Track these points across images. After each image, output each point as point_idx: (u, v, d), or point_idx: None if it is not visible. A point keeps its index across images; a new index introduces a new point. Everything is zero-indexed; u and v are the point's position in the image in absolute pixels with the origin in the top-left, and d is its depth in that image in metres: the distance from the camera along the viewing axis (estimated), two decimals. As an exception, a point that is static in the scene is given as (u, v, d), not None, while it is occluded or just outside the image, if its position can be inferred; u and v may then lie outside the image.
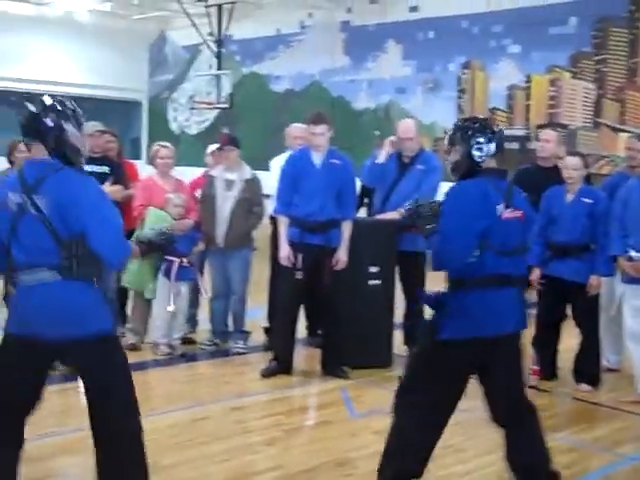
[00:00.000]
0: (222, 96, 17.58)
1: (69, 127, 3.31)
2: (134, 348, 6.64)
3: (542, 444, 3.71)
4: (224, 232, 6.67)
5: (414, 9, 16.70)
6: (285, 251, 6.01)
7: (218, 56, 17.81)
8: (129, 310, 7.06)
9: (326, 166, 6.02)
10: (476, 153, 3.60)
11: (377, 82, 17.50)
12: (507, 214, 3.56)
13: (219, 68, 17.86)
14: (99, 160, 6.88)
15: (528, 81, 15.36)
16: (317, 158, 6.03)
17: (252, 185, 6.79)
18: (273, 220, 6.67)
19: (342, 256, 6.02)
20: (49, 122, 3.27)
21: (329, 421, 5.19)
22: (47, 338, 3.28)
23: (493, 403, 3.72)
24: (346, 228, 6.07)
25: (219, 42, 17.69)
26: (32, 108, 3.31)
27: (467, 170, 3.63)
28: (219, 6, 17.29)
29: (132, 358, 6.33)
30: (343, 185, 6.06)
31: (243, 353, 6.74)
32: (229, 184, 6.73)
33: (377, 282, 6.33)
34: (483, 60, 15.92)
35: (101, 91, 19.68)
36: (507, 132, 14.02)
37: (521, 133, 15.20)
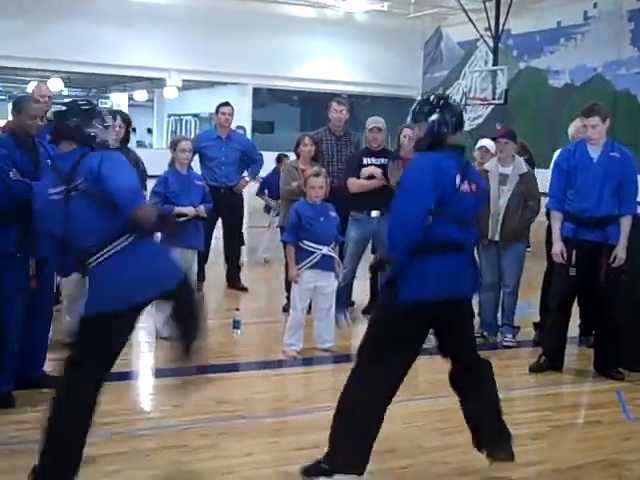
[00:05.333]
0: (497, 92, 17.34)
1: (91, 125, 3.73)
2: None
3: (496, 400, 4.10)
4: (499, 226, 6.61)
5: None
6: (558, 247, 5.85)
7: (494, 51, 17.60)
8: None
9: (604, 159, 5.75)
10: (438, 129, 3.79)
11: (666, 74, 16.35)
12: (464, 186, 3.78)
13: (495, 63, 17.64)
14: (378, 153, 7.19)
15: None
16: (594, 151, 5.78)
17: (527, 179, 6.69)
18: (548, 215, 6.51)
19: (620, 253, 5.72)
20: (72, 124, 3.70)
21: (600, 421, 4.97)
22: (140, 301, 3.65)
23: (454, 358, 4.04)
24: (625, 224, 5.76)
25: (496, 37, 17.47)
26: (58, 114, 3.78)
27: (430, 146, 3.81)
28: (497, 1, 17.08)
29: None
30: (623, 179, 5.76)
31: (512, 347, 6.65)
32: (504, 178, 6.67)
33: (659, 283, 5.95)
34: None
35: (377, 88, 20.24)
36: None
37: None
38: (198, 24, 18.50)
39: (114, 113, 6.87)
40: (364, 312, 7.59)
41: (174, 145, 7.06)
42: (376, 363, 3.86)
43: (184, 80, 19.86)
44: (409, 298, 3.72)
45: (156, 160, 9.04)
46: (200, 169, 8.26)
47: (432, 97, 3.99)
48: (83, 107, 3.84)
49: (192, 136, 14.66)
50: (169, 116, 26.79)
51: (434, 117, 3.82)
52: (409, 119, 3.96)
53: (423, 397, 5.30)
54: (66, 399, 3.60)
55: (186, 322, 3.82)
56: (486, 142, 7.45)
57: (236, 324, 6.67)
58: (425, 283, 3.73)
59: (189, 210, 6.76)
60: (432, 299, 3.75)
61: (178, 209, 6.71)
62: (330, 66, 19.74)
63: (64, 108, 3.85)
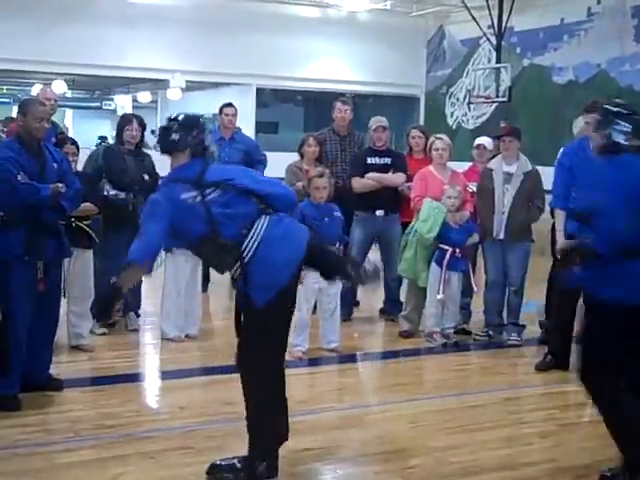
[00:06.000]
0: (501, 90, 17.28)
1: (194, 135, 3.90)
2: (408, 335, 6.79)
3: None
4: (504, 225, 6.60)
5: None
6: (562, 245, 5.83)
7: (497, 49, 17.53)
8: (403, 298, 7.22)
9: None
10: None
11: (670, 70, 16.29)
12: None
13: (498, 61, 17.57)
14: (382, 152, 7.21)
15: None
16: None
17: (532, 178, 6.67)
18: (552, 213, 6.50)
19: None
20: (176, 136, 3.87)
21: (608, 420, 4.95)
22: None
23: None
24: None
25: (499, 34, 17.41)
26: (164, 126, 3.96)
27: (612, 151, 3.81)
28: (500, -2, 17.03)
29: (406, 345, 6.61)
30: None
31: (517, 345, 6.64)
32: (508, 177, 6.65)
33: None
34: None
35: (379, 88, 20.20)
36: None
37: None
38: (201, 25, 18.48)
39: (131, 117, 6.91)
40: (382, 312, 7.59)
41: None
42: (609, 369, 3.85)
43: (187, 81, 19.83)
44: (614, 299, 3.70)
45: (160, 162, 9.01)
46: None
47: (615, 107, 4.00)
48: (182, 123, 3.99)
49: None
50: (172, 117, 26.81)
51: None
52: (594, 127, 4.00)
53: (429, 397, 5.31)
54: None
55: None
56: (484, 140, 7.43)
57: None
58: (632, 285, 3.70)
59: None
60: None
61: None
62: (333, 65, 19.70)
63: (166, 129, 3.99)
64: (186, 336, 6.56)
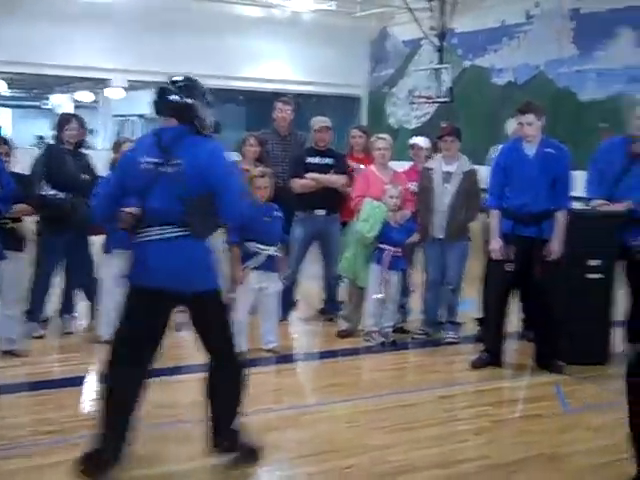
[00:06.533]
0: (442, 90, 17.48)
1: (197, 102, 3.78)
2: (347, 335, 6.82)
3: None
4: (443, 224, 6.67)
5: (653, -9, 15.68)
6: (496, 244, 5.93)
7: (439, 50, 17.73)
8: (342, 297, 7.25)
9: (540, 156, 5.85)
10: None
11: (607, 72, 16.64)
12: None
13: (440, 62, 17.77)
14: (323, 153, 7.23)
15: None
16: (529, 148, 5.88)
17: (471, 177, 6.75)
18: (486, 213, 6.59)
19: (555, 247, 5.83)
20: (176, 97, 3.76)
21: (540, 415, 5.05)
22: (171, 290, 3.75)
23: None
24: (560, 218, 5.86)
25: (441, 36, 17.60)
26: (162, 86, 3.80)
27: None
28: (442, 0, 17.21)
29: (345, 344, 6.64)
30: (558, 174, 5.86)
31: (454, 343, 6.72)
32: (448, 176, 6.72)
33: (597, 276, 6.07)
34: None
35: (323, 88, 20.25)
36: None
37: None
38: (144, 24, 18.29)
39: (70, 116, 6.81)
40: (322, 312, 7.62)
41: (117, 147, 6.98)
42: None
43: (129, 80, 19.61)
44: None
45: (100, 161, 8.89)
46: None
47: None
48: (186, 85, 3.88)
49: (137, 137, 14.49)
50: (114, 117, 26.48)
51: None
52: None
53: (366, 396, 5.34)
54: None
55: None
56: (418, 140, 7.49)
57: (178, 326, 6.60)
58: None
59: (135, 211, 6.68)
60: None
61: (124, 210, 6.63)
62: (277, 65, 19.68)
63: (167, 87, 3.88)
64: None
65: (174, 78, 3.86)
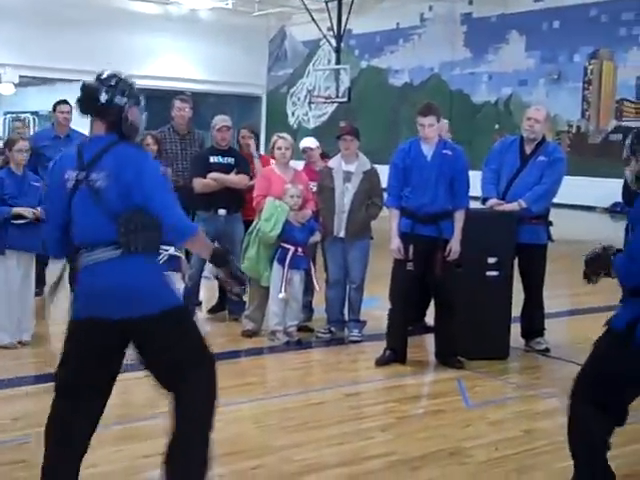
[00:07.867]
0: (340, 90, 17.65)
1: (125, 102, 3.37)
2: (251, 335, 6.78)
3: None
4: (344, 223, 6.71)
5: (539, -1, 16.29)
6: (395, 244, 6.00)
7: (337, 51, 17.89)
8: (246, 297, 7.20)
9: (437, 157, 5.96)
10: None
11: (498, 75, 17.17)
12: None
13: (338, 63, 17.94)
14: (225, 152, 7.16)
15: (660, 70, 14.78)
16: (427, 149, 5.98)
17: (371, 176, 6.81)
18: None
19: (455, 246, 5.95)
20: (105, 97, 3.35)
21: (443, 410, 5.14)
22: (113, 319, 3.26)
23: None
24: (459, 218, 5.99)
25: (338, 37, 17.76)
26: (90, 84, 3.41)
27: None
28: (339, 1, 17.36)
29: (249, 344, 6.60)
30: (455, 175, 5.99)
31: (358, 341, 6.77)
32: (348, 176, 6.76)
33: (495, 273, 6.23)
34: (612, 49, 15.36)
35: (222, 87, 20.14)
36: (637, 124, 13.49)
37: (651, 125, 14.63)
38: (36, 18, 17.76)
39: None
40: (210, 311, 7.56)
41: (10, 145, 6.72)
42: None
43: (21, 76, 18.99)
44: None
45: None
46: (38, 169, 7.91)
47: None
48: (114, 83, 3.43)
49: (31, 134, 14.04)
50: (5, 114, 25.60)
51: None
52: (626, 152, 3.62)
53: (272, 396, 5.31)
54: None
55: None
56: (307, 142, 7.52)
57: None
58: None
59: (28, 211, 6.46)
60: None
61: (16, 210, 6.41)
62: (174, 63, 19.47)
63: (94, 84, 3.44)
64: (19, 342, 6.28)
65: (103, 76, 3.44)
